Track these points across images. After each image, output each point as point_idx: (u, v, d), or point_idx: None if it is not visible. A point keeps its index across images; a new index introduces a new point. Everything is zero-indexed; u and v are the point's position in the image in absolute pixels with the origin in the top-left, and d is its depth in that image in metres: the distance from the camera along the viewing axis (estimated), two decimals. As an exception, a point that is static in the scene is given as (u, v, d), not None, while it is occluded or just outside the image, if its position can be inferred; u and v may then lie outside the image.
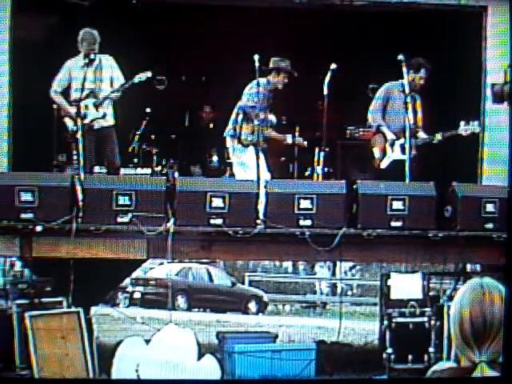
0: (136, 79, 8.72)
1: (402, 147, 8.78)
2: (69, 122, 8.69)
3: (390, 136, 8.90)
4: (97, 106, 8.73)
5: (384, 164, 8.97)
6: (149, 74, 8.73)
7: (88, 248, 7.85)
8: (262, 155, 8.93)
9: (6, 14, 8.64)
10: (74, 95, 8.73)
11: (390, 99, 9.00)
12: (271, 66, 9.08)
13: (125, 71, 8.85)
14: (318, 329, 13.14)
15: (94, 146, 8.77)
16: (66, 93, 8.73)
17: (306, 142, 9.43)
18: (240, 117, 9.13)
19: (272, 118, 9.23)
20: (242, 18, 9.76)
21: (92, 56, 8.66)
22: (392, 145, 8.91)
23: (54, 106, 9.41)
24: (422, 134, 8.97)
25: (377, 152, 9.03)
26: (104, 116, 8.78)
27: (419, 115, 9.00)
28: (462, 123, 8.68)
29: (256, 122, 8.88)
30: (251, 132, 9.07)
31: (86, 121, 8.69)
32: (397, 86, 8.94)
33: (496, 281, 2.72)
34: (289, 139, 9.32)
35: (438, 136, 8.80)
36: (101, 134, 8.82)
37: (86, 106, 8.70)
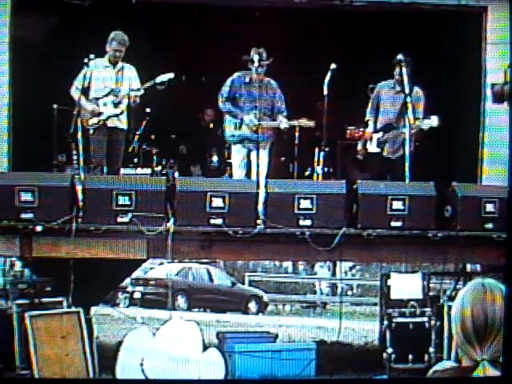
0: (158, 79, 8.76)
1: (378, 141, 9.07)
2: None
3: (371, 129, 9.13)
4: (116, 104, 8.76)
5: (361, 155, 9.34)
6: (171, 75, 8.77)
7: (88, 248, 7.85)
8: (242, 154, 9.01)
9: (5, 13, 8.65)
10: (94, 94, 8.75)
11: (380, 99, 9.13)
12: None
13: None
14: (318, 329, 13.13)
15: (106, 144, 8.78)
16: (86, 92, 8.71)
17: (312, 123, 9.08)
18: (224, 117, 9.24)
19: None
20: (241, 17, 9.77)
21: (117, 54, 8.70)
22: (371, 139, 9.12)
23: (54, 106, 9.43)
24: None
25: (359, 145, 9.37)
26: (121, 113, 8.80)
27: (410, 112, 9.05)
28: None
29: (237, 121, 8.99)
30: (234, 128, 9.12)
31: (102, 117, 8.72)
32: (387, 84, 9.09)
33: (497, 281, 2.73)
34: (284, 124, 9.03)
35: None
36: (113, 134, 8.84)
37: (105, 104, 8.73)
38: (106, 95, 8.78)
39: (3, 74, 8.67)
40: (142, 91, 8.82)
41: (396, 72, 8.93)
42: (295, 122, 8.99)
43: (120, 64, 8.83)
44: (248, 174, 9.12)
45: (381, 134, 9.08)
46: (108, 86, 8.80)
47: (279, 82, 9.25)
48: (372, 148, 9.16)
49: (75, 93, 8.68)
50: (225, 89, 9.16)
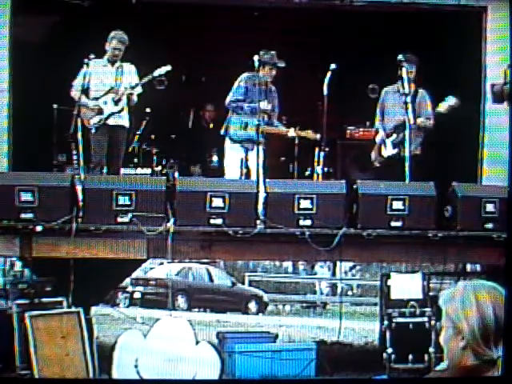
0: (156, 73, 8.78)
1: (393, 143, 8.93)
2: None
3: (381, 135, 9.03)
4: (116, 101, 8.77)
5: (378, 162, 9.14)
6: (168, 67, 8.78)
7: (88, 248, 7.85)
8: (252, 155, 8.99)
9: (5, 14, 8.65)
10: (94, 93, 8.75)
11: (385, 101, 9.11)
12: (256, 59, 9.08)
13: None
14: (318, 329, 13.15)
15: (106, 144, 8.78)
16: (86, 91, 8.71)
17: (310, 131, 9.22)
18: (229, 115, 9.18)
19: (266, 113, 9.21)
20: (242, 17, 9.77)
21: (116, 53, 8.71)
22: (384, 143, 9.00)
23: (54, 106, 9.43)
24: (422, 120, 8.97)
25: (373, 153, 9.21)
26: (122, 110, 8.80)
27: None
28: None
29: (250, 120, 8.91)
30: (239, 128, 9.08)
31: (104, 116, 8.72)
32: (392, 88, 9.06)
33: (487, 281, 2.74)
34: (291, 132, 9.24)
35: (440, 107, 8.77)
36: (114, 133, 8.83)
37: (105, 103, 8.74)
38: (106, 93, 8.78)
39: (3, 74, 8.67)
40: (140, 87, 8.82)
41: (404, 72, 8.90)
42: (303, 133, 9.16)
43: (119, 63, 8.83)
44: (246, 174, 9.11)
45: (394, 135, 8.95)
46: (107, 84, 8.80)
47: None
48: (388, 151, 8.99)
49: (76, 93, 8.68)
50: (238, 88, 9.11)
